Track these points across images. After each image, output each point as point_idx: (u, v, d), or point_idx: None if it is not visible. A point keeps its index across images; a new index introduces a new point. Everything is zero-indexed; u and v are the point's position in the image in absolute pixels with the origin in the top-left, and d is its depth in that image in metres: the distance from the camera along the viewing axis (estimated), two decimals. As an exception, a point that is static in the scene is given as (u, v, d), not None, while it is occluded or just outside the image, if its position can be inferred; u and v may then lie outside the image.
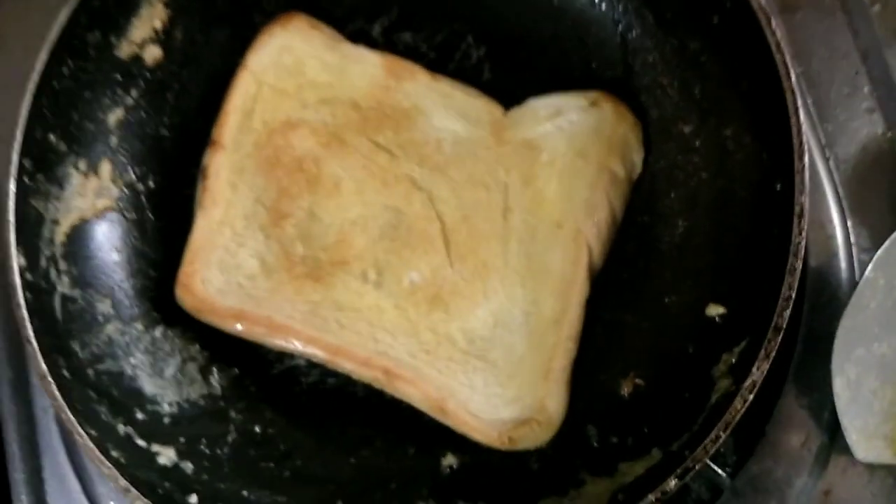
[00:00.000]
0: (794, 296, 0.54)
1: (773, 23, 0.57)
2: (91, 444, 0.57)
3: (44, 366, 0.58)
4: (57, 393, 0.57)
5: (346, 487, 0.63)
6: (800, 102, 0.72)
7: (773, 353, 0.54)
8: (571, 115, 0.67)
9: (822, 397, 0.66)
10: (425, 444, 0.65)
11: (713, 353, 0.59)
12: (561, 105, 0.68)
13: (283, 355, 0.68)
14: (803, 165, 0.55)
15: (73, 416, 0.57)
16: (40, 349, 0.59)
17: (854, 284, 0.70)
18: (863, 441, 0.62)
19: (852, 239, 0.71)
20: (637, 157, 0.68)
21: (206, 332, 0.67)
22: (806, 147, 0.55)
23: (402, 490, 0.63)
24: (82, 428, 0.57)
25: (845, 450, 0.64)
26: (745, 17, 0.59)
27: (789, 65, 0.56)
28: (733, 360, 0.57)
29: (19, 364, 0.74)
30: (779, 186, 0.57)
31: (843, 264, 0.71)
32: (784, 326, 0.54)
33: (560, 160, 0.66)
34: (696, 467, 0.53)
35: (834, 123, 0.74)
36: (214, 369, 0.67)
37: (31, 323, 0.60)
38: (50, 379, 0.58)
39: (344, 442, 0.65)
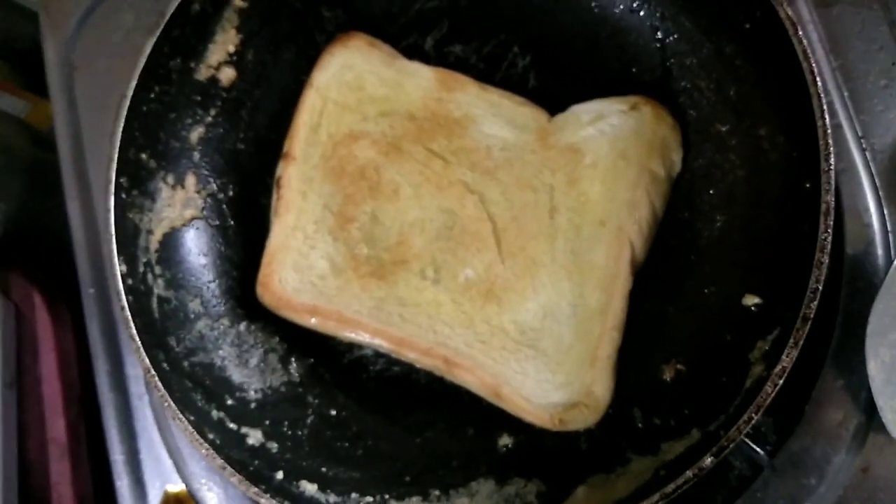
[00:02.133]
0: (821, 288, 0.57)
1: (800, 31, 0.60)
2: (191, 428, 0.64)
3: (148, 361, 0.66)
4: (160, 384, 0.65)
5: (412, 465, 0.69)
6: (835, 97, 0.76)
7: (802, 341, 0.57)
8: (613, 119, 0.71)
9: (859, 379, 0.69)
10: (483, 425, 0.70)
11: (749, 341, 0.62)
12: (602, 110, 0.71)
13: (352, 346, 0.74)
14: (829, 167, 0.58)
15: (175, 403, 0.65)
16: (143, 346, 0.66)
17: (889, 269, 0.73)
18: (899, 420, 0.65)
19: (889, 227, 0.73)
20: (676, 157, 0.71)
21: (285, 325, 0.74)
22: (832, 149, 0.58)
23: (463, 467, 0.68)
24: (182, 414, 0.65)
25: (882, 429, 0.66)
26: (774, 25, 0.62)
27: (815, 71, 0.59)
28: (767, 348, 0.60)
29: (116, 357, 0.82)
30: (808, 185, 0.60)
31: (879, 251, 0.73)
32: (812, 317, 0.57)
33: (603, 162, 0.70)
34: (731, 446, 0.57)
35: (870, 115, 0.76)
36: (293, 359, 0.74)
37: (135, 323, 0.67)
38: (153, 372, 0.66)
39: (409, 424, 0.71)
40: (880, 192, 0.74)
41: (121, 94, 0.81)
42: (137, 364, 0.77)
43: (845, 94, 0.76)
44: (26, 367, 0.83)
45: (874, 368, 0.66)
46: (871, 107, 0.76)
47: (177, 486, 0.80)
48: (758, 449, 0.69)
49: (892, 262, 0.73)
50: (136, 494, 0.79)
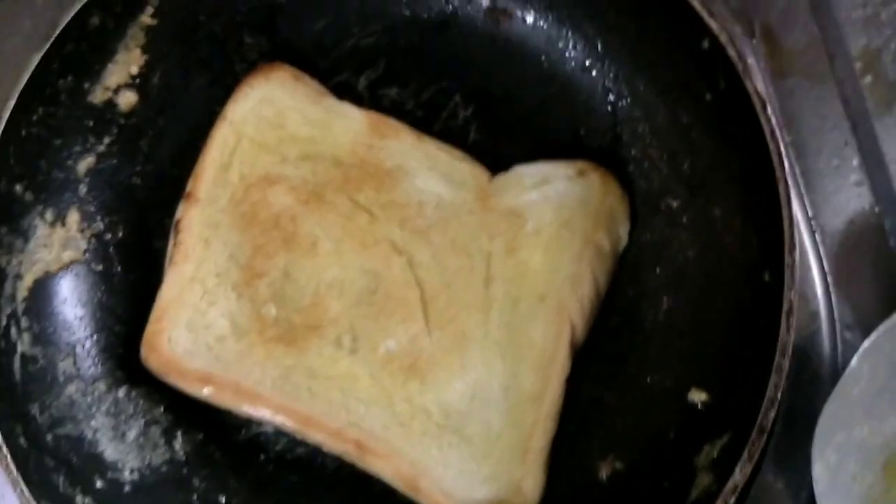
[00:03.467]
0: (779, 396, 0.52)
1: (769, 109, 0.56)
2: (46, 523, 0.54)
3: (0, 437, 0.56)
4: (13, 466, 0.55)
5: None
6: (790, 181, 0.72)
7: (757, 455, 0.52)
8: (558, 185, 0.66)
9: (801, 477, 0.65)
10: (396, 522, 0.63)
11: (695, 442, 0.57)
12: (548, 173, 0.66)
13: (250, 421, 0.66)
14: (793, 261, 0.54)
15: (30, 490, 0.55)
16: (-3, 416, 0.56)
17: (836, 360, 0.70)
18: (842, 526, 0.62)
19: (836, 314, 0.70)
20: (623, 230, 0.66)
21: (172, 393, 0.65)
22: (797, 242, 0.54)
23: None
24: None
25: (823, 533, 0.62)
26: (739, 99, 0.58)
27: (783, 153, 0.55)
28: (715, 455, 0.56)
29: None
30: (767, 277, 0.56)
31: (825, 341, 0.70)
32: (769, 427, 0.52)
33: (545, 230, 0.65)
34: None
35: (821, 195, 0.73)
36: (178, 433, 0.65)
37: (-12, 389, 0.57)
38: (5, 451, 0.55)
39: (311, 518, 0.64)
40: (828, 278, 0.71)
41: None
42: None
43: (797, 170, 0.73)
44: None
45: (819, 471, 0.63)
46: (823, 187, 0.73)
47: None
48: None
49: (837, 350, 0.70)
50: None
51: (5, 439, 0.56)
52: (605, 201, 0.65)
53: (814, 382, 0.68)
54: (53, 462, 0.60)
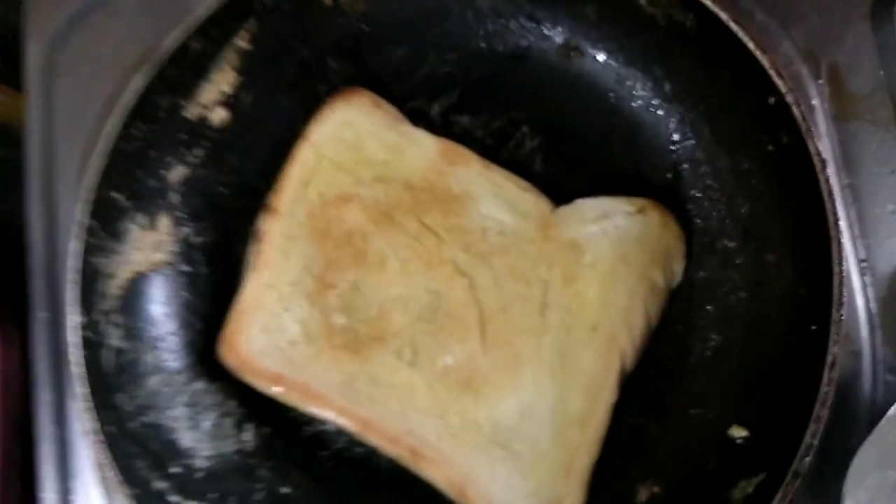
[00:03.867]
0: (816, 444, 0.55)
1: (828, 170, 0.58)
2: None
3: (94, 423, 0.61)
4: (107, 451, 0.60)
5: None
6: (842, 215, 0.74)
7: (790, 496, 0.55)
8: (618, 220, 0.68)
9: (834, 506, 0.67)
10: (443, 524, 0.66)
11: (732, 476, 0.60)
12: (608, 208, 0.69)
13: (314, 419, 0.69)
14: (841, 316, 0.56)
15: (119, 473, 0.60)
16: (93, 406, 0.61)
17: (875, 401, 0.71)
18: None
19: (879, 357, 0.72)
20: (678, 267, 0.69)
21: (244, 389, 0.69)
22: (846, 299, 0.56)
23: (417, 567, 0.65)
24: (125, 488, 0.60)
25: (852, 566, 0.64)
26: (800, 155, 0.60)
27: (839, 213, 0.58)
28: (750, 490, 0.58)
29: (60, 389, 0.76)
30: (814, 327, 0.58)
31: (866, 383, 0.71)
32: (804, 473, 0.55)
33: (602, 263, 0.67)
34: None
35: (875, 239, 0.74)
36: (249, 426, 0.69)
37: (87, 381, 0.62)
38: (101, 436, 0.61)
39: (365, 512, 0.68)
40: (874, 321, 0.73)
41: (98, 111, 0.76)
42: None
43: (852, 213, 0.74)
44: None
45: (851, 508, 0.65)
46: (877, 231, 0.74)
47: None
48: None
49: (878, 392, 0.71)
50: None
51: (100, 425, 0.61)
52: (662, 239, 0.68)
53: (851, 421, 0.69)
54: (136, 447, 0.64)
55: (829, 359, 0.55)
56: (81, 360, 0.62)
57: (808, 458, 0.55)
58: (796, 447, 0.55)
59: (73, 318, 0.63)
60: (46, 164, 0.81)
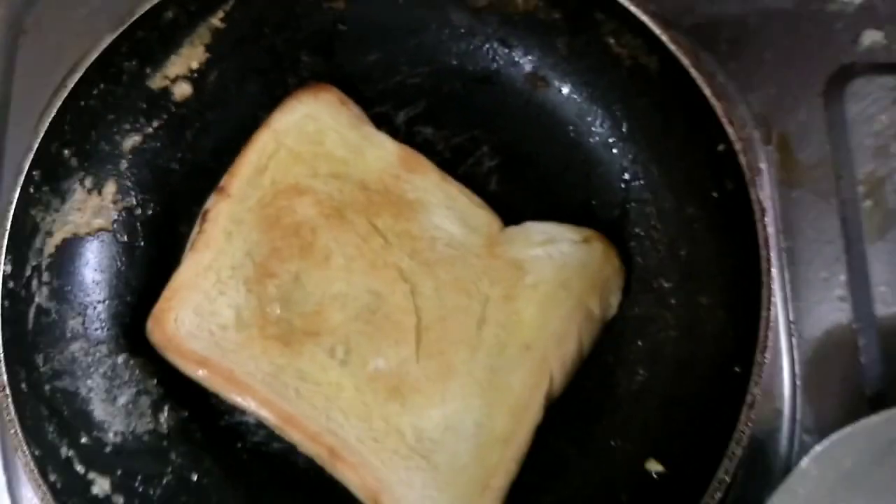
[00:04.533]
0: (728, 480, 0.56)
1: (767, 218, 0.61)
2: (33, 465, 0.57)
3: (5, 377, 0.59)
4: (12, 407, 0.58)
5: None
6: (776, 276, 0.76)
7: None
8: (563, 246, 0.69)
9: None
10: (352, 529, 0.65)
11: (644, 509, 0.61)
12: (555, 234, 0.70)
13: (233, 409, 0.68)
14: (763, 360, 0.57)
15: (23, 432, 0.58)
16: (6, 361, 0.59)
17: (790, 459, 0.73)
18: None
19: (798, 416, 0.74)
20: (614, 300, 0.70)
21: (166, 369, 0.68)
22: (773, 343, 0.58)
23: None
24: (28, 447, 0.57)
25: None
26: (741, 203, 0.62)
27: (771, 262, 0.59)
28: (661, 524, 0.59)
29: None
30: (737, 369, 0.60)
31: (783, 440, 0.73)
32: (714, 509, 0.56)
33: (543, 286, 0.68)
34: None
35: (805, 302, 0.76)
36: (165, 407, 0.68)
37: (3, 332, 0.60)
38: (8, 392, 0.58)
39: (273, 509, 0.66)
40: (797, 381, 0.75)
41: (63, 76, 0.75)
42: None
43: (786, 275, 0.77)
44: None
45: (755, 560, 0.66)
46: (808, 295, 0.77)
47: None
48: None
49: (793, 450, 0.73)
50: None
51: (9, 381, 0.59)
52: (603, 270, 0.69)
53: (765, 477, 0.71)
54: (47, 410, 0.62)
55: (748, 399, 0.57)
56: (3, 307, 0.60)
57: (719, 494, 0.56)
58: (708, 482, 0.56)
59: (1, 268, 0.61)
60: (-1, 120, 0.79)
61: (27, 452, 0.57)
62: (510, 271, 0.69)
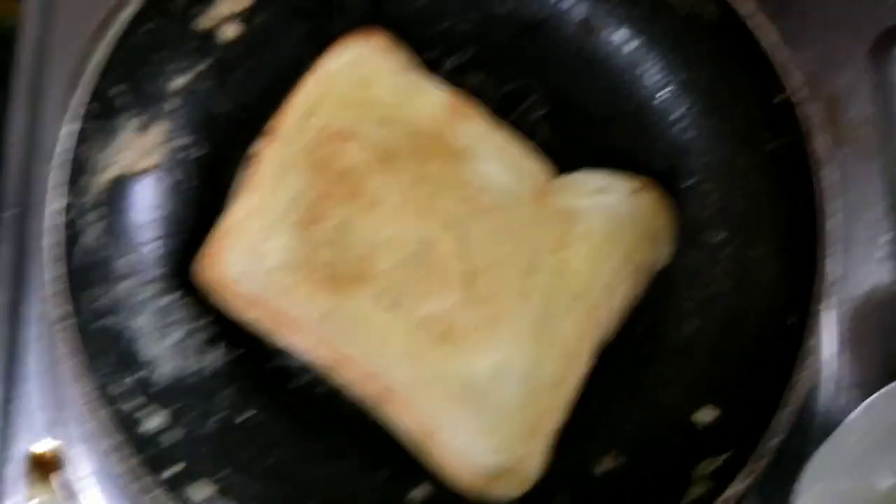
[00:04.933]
0: (784, 429, 0.56)
1: (824, 171, 0.60)
2: (97, 394, 0.58)
3: (64, 309, 0.59)
4: (76, 337, 0.58)
5: (315, 495, 0.64)
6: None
7: (751, 479, 0.56)
8: (615, 196, 0.69)
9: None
10: (398, 471, 0.66)
11: (694, 456, 0.61)
12: (607, 184, 0.69)
13: (279, 352, 0.68)
14: (818, 310, 0.57)
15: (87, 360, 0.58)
16: (62, 294, 0.59)
17: (831, 414, 0.73)
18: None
19: (841, 371, 0.74)
20: (665, 251, 0.70)
21: (214, 311, 0.68)
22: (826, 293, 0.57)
23: (366, 509, 0.64)
24: (86, 378, 0.58)
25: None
26: (798, 155, 0.62)
27: (827, 213, 0.59)
28: (711, 469, 0.59)
29: (18, 290, 0.73)
30: (792, 321, 0.60)
31: (826, 393, 0.73)
32: (768, 457, 0.56)
33: (593, 236, 0.68)
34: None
35: (848, 261, 0.76)
36: (214, 349, 0.68)
37: (56, 266, 0.60)
38: (67, 323, 0.58)
39: (320, 450, 0.66)
40: (840, 337, 0.74)
41: (106, 13, 0.74)
42: (39, 305, 0.70)
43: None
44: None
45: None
46: (851, 254, 0.76)
47: (42, 447, 0.71)
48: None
49: (836, 403, 0.73)
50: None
51: (68, 314, 0.59)
52: (654, 221, 0.69)
53: (807, 428, 0.70)
54: (95, 349, 0.62)
55: (803, 350, 0.57)
56: (56, 243, 0.59)
57: (774, 440, 0.56)
58: (763, 429, 0.56)
59: (53, 204, 0.61)
60: (37, 65, 0.78)
61: (90, 381, 0.58)
62: (560, 220, 0.69)
